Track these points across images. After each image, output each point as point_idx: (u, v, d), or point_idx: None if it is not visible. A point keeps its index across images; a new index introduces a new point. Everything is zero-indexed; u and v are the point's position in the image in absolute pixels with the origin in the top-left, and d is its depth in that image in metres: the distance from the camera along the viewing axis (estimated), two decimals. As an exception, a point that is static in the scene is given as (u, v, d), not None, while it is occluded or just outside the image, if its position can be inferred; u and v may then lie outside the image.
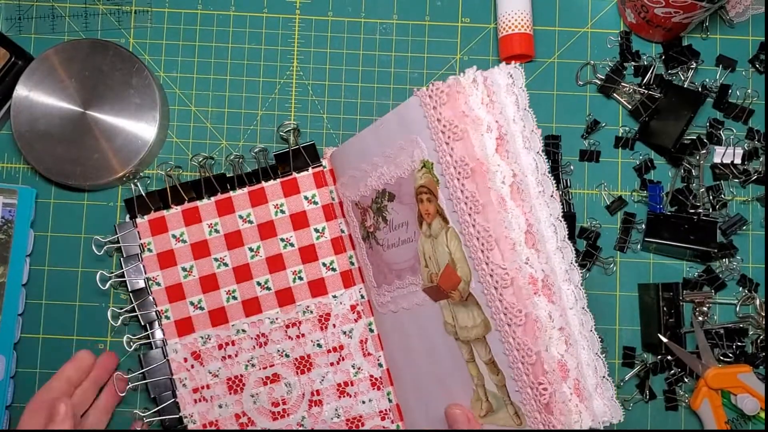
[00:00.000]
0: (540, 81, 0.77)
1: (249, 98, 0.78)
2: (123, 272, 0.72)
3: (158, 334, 0.72)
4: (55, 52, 0.74)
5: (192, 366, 0.72)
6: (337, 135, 0.77)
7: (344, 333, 0.72)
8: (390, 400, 0.72)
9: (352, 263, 0.73)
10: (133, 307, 0.72)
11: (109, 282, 0.72)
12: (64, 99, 0.73)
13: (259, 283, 0.73)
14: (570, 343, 0.56)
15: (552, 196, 0.58)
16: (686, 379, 0.74)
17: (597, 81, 0.77)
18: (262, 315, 0.73)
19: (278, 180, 0.73)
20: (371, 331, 0.73)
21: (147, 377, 0.72)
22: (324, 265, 0.73)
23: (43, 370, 0.75)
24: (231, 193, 0.73)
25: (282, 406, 0.72)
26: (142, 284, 0.73)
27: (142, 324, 0.72)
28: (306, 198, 0.73)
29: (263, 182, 0.73)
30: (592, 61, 0.77)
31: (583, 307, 0.59)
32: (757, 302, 0.74)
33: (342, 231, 0.73)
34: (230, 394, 0.72)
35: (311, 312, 0.73)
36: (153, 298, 0.72)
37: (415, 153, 0.60)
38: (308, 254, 0.73)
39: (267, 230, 0.73)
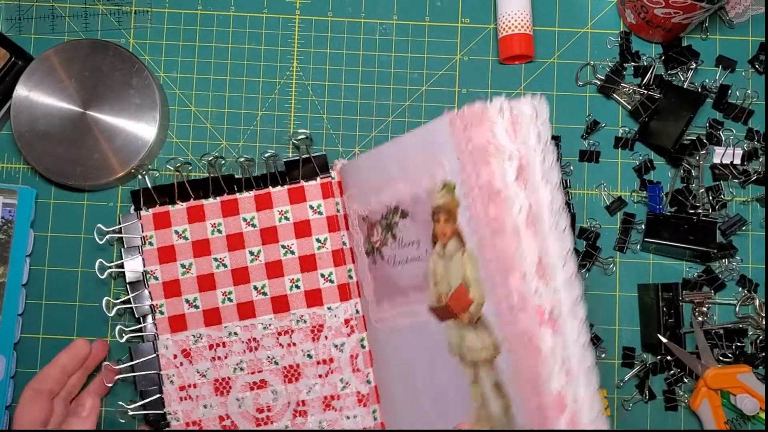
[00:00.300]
0: (540, 81, 0.77)
1: (249, 99, 0.78)
2: (122, 263, 0.72)
3: (150, 329, 0.72)
4: (55, 52, 0.74)
5: (181, 363, 0.72)
6: (336, 135, 0.77)
7: (335, 346, 0.72)
8: (375, 418, 0.71)
9: (350, 277, 0.73)
10: (129, 299, 0.72)
11: (108, 271, 0.72)
12: (64, 99, 0.73)
13: (255, 288, 0.73)
14: (569, 379, 0.56)
15: (565, 230, 0.57)
16: (686, 380, 0.74)
17: (597, 81, 0.77)
18: (256, 320, 0.72)
19: (285, 187, 0.73)
20: (363, 347, 0.72)
21: (135, 370, 0.72)
22: (322, 276, 0.72)
23: (43, 370, 0.75)
24: (237, 195, 0.73)
25: (266, 413, 0.72)
26: (139, 276, 0.72)
27: (136, 317, 0.72)
28: (311, 207, 0.73)
29: (270, 187, 0.73)
30: (591, 62, 0.77)
31: (583, 343, 0.57)
32: (757, 302, 0.74)
33: (344, 243, 0.73)
34: (216, 395, 0.72)
35: (305, 322, 0.72)
36: (149, 292, 0.72)
37: (437, 173, 0.60)
38: (308, 263, 0.73)
39: (269, 235, 0.73)
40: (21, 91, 0.73)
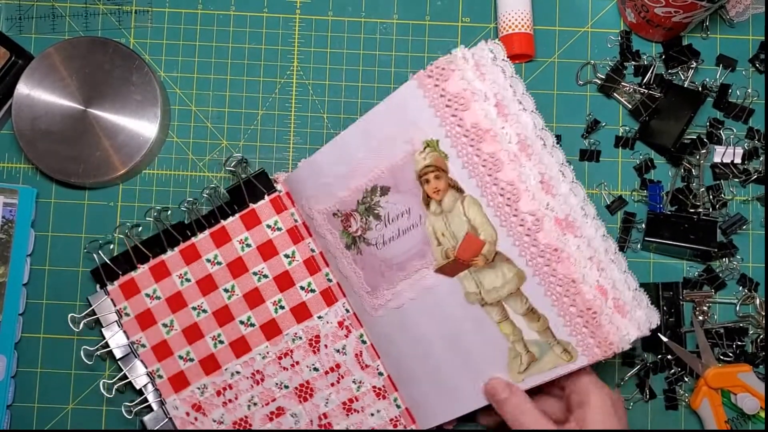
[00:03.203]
0: (540, 81, 0.78)
1: (249, 98, 0.78)
2: (106, 342, 0.71)
3: (154, 396, 0.71)
4: (56, 50, 0.74)
5: (196, 419, 0.71)
6: (337, 134, 0.77)
7: (337, 351, 0.72)
8: (398, 406, 0.71)
9: (329, 280, 0.72)
10: (125, 374, 0.71)
11: (95, 355, 0.71)
12: (65, 97, 0.73)
13: (242, 322, 0.72)
14: (601, 268, 0.61)
15: (553, 145, 0.62)
16: (686, 379, 0.74)
17: (597, 80, 0.77)
18: (252, 352, 0.72)
19: (237, 215, 0.72)
20: (364, 342, 0.72)
21: None
22: (302, 288, 0.72)
23: (44, 369, 0.75)
24: (193, 240, 0.72)
25: None
26: (127, 350, 0.72)
27: (137, 388, 0.72)
28: (269, 226, 0.72)
29: (222, 221, 0.72)
30: (592, 61, 0.77)
31: (603, 234, 0.62)
32: (757, 302, 0.74)
33: (312, 251, 0.72)
34: None
35: (300, 338, 0.72)
36: (142, 361, 0.72)
37: (415, 136, 0.63)
38: (284, 282, 0.72)
39: (238, 268, 0.72)
40: (22, 89, 0.73)
